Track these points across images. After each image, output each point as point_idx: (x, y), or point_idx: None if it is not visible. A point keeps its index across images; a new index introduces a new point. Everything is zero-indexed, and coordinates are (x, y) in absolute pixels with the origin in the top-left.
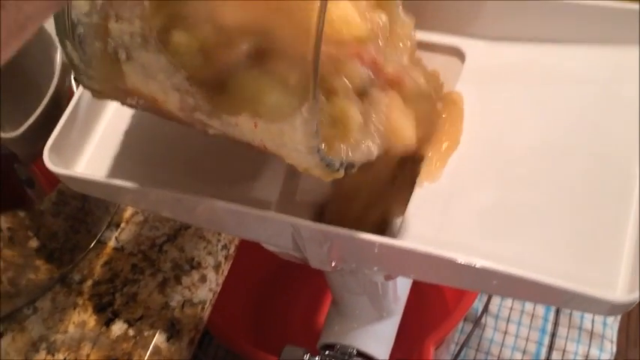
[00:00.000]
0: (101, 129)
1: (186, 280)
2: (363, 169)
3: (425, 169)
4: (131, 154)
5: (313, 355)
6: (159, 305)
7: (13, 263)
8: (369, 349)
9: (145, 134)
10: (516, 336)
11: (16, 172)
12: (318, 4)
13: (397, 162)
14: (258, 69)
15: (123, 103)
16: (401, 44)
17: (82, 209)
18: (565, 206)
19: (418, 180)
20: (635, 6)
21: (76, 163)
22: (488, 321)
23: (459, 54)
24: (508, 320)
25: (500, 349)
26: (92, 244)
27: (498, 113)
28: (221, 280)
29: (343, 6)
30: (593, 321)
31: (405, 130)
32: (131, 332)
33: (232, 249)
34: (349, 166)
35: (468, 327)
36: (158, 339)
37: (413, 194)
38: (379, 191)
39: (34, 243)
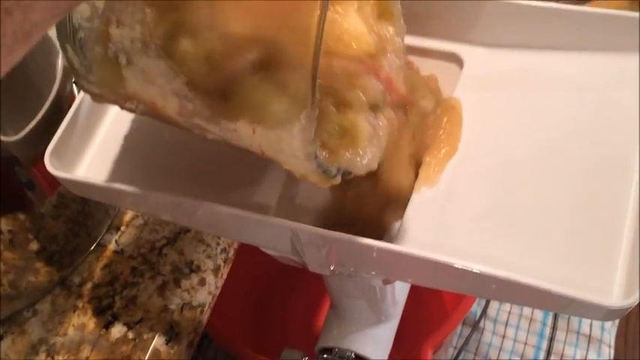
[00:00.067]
0: (102, 133)
1: (185, 284)
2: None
3: (423, 175)
4: (132, 158)
5: (312, 358)
6: (158, 308)
7: (14, 266)
8: (367, 352)
9: (146, 139)
10: (514, 340)
11: (17, 175)
12: (317, 14)
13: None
14: (258, 77)
15: (122, 107)
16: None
17: (83, 212)
18: (562, 212)
19: (416, 185)
20: (635, 13)
21: (76, 167)
22: (487, 325)
23: (457, 60)
24: (506, 324)
25: (499, 353)
26: (92, 247)
27: (496, 119)
28: (220, 283)
29: (352, 21)
30: (591, 325)
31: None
32: (130, 335)
33: (231, 252)
34: (346, 173)
35: (467, 331)
36: (157, 342)
37: (411, 199)
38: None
39: (34, 246)
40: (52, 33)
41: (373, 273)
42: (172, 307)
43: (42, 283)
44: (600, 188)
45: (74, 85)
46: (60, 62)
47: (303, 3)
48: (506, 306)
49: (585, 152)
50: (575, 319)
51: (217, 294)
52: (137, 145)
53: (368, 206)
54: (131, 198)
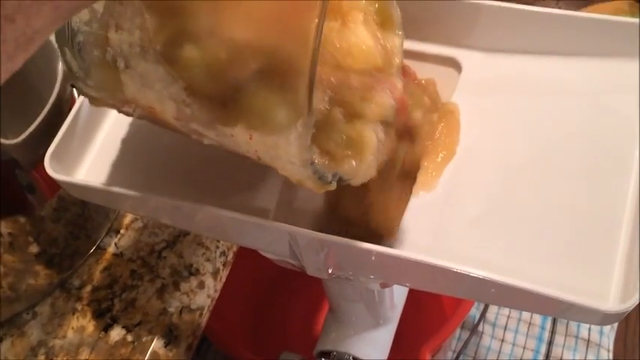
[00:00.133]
0: (102, 136)
1: (184, 287)
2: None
3: (421, 179)
4: (132, 161)
5: None
6: (157, 311)
7: (13, 268)
8: (365, 356)
9: (146, 142)
10: (513, 344)
11: (17, 178)
12: (316, 21)
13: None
14: (258, 83)
15: (119, 110)
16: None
17: (82, 215)
18: (559, 216)
19: (414, 189)
20: (634, 19)
21: (76, 170)
22: (486, 328)
23: (455, 65)
24: (505, 328)
25: (498, 357)
26: (92, 250)
27: (495, 124)
28: (219, 286)
29: (361, 34)
30: (589, 330)
31: None
32: (129, 338)
33: (231, 256)
34: (341, 179)
35: (465, 334)
36: (156, 345)
37: (409, 203)
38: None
39: (34, 248)
40: (52, 36)
41: (371, 277)
42: (171, 310)
43: (41, 285)
44: (598, 193)
45: (74, 89)
46: (60, 66)
47: (302, 9)
48: (505, 310)
49: (583, 157)
50: (573, 324)
51: (216, 297)
52: (137, 148)
53: (361, 212)
54: (131, 201)
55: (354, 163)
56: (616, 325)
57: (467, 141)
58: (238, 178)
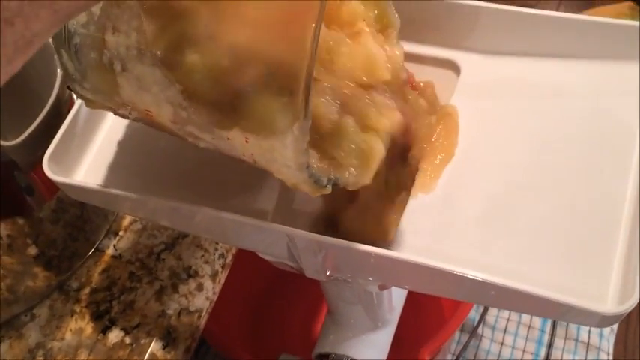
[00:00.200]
0: (101, 138)
1: (183, 289)
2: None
3: (419, 181)
4: (130, 163)
5: None
6: (156, 313)
7: (12, 270)
8: (364, 358)
9: (145, 144)
10: (513, 347)
11: (16, 180)
12: (313, 25)
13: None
14: (256, 87)
15: (116, 113)
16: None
17: (81, 217)
18: (558, 218)
19: (413, 191)
20: (634, 22)
21: (75, 172)
22: (485, 332)
23: (454, 67)
24: (505, 331)
25: None
26: (90, 252)
27: (493, 127)
28: (218, 288)
29: (371, 46)
30: (589, 332)
31: None
32: (128, 340)
33: (229, 258)
34: (336, 184)
35: (465, 337)
36: (154, 347)
37: (407, 205)
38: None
39: (32, 250)
40: (51, 38)
41: (370, 279)
42: (170, 312)
43: (40, 287)
44: (597, 195)
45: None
46: (59, 68)
47: (299, 14)
48: (505, 313)
49: (582, 160)
50: (573, 327)
51: (215, 299)
52: (136, 150)
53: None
54: (129, 203)
55: (354, 171)
56: (616, 327)
57: (465, 143)
58: (236, 181)
